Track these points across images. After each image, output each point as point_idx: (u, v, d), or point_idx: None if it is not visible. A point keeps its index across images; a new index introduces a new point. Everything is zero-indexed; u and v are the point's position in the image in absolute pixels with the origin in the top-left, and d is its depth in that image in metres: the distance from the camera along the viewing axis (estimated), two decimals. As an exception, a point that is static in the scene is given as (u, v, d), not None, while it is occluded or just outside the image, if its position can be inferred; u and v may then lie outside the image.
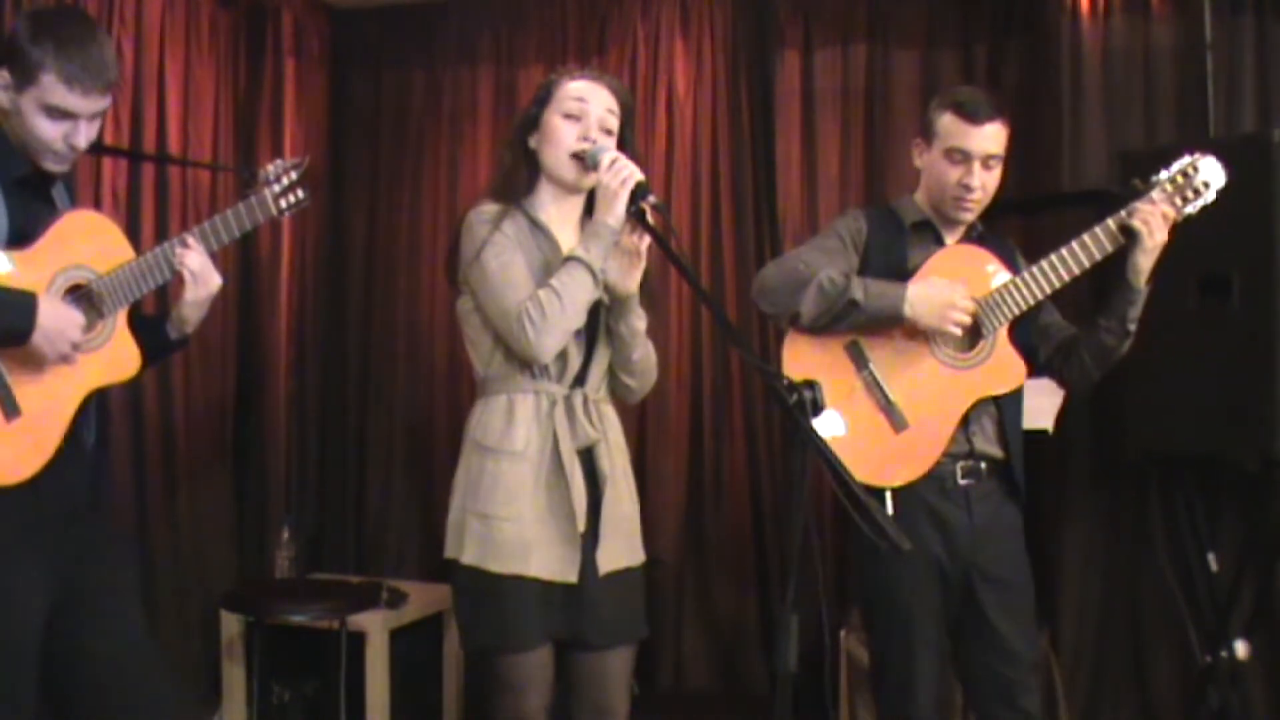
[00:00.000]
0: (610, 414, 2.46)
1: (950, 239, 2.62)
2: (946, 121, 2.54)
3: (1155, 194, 2.46)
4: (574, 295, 2.26)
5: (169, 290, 2.38)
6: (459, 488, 2.37)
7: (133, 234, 3.43)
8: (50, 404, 2.09)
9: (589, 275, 2.27)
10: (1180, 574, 3.42)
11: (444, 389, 4.40)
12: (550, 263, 2.36)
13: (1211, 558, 3.35)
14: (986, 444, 2.56)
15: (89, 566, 2.21)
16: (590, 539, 2.35)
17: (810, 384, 1.83)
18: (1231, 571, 3.30)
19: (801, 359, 2.56)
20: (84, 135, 2.12)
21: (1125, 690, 3.53)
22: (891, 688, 2.58)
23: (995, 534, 2.56)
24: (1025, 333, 2.59)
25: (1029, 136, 3.48)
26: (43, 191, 2.19)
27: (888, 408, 2.51)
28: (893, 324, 2.49)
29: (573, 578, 2.32)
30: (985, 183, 2.54)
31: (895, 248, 2.59)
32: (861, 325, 2.50)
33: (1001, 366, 2.53)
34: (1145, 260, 2.47)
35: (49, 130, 2.08)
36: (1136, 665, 3.51)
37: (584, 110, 2.36)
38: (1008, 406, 2.58)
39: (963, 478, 2.54)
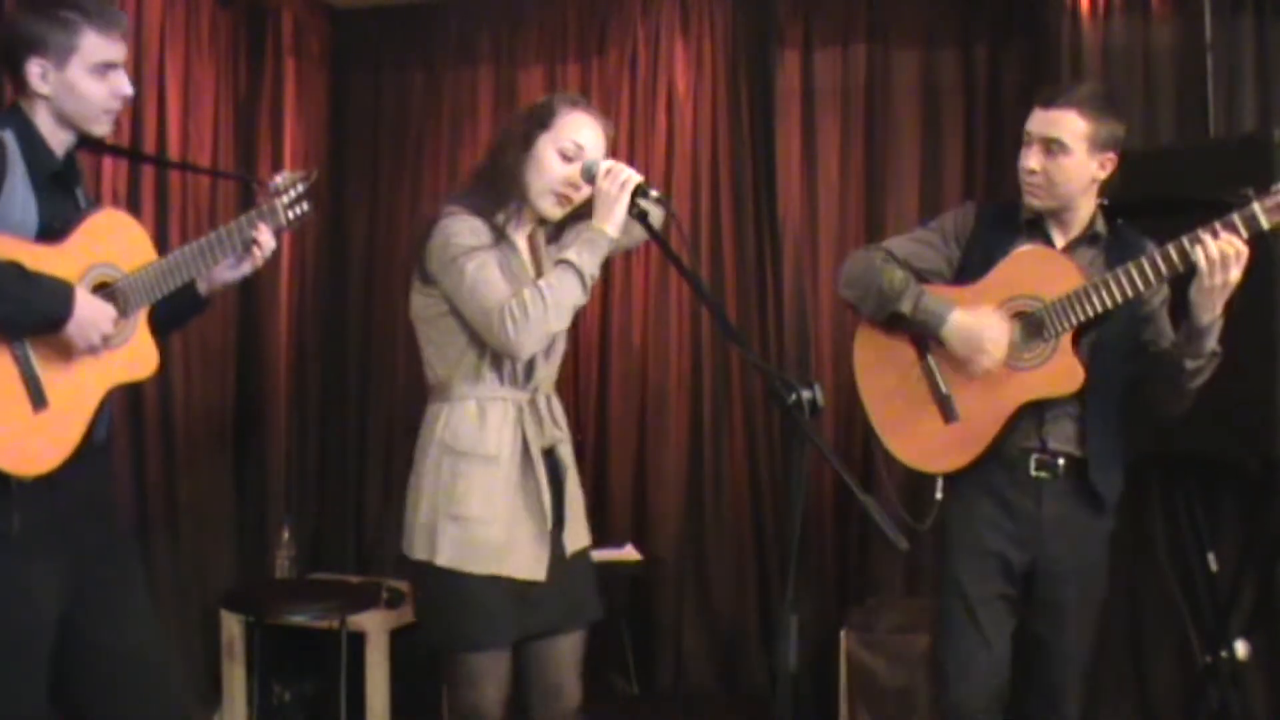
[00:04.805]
0: (559, 406, 2.54)
1: (1059, 237, 2.59)
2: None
3: (1268, 200, 2.30)
4: (560, 298, 2.28)
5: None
6: (426, 491, 2.40)
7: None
8: (75, 398, 2.11)
9: (579, 281, 2.29)
10: (1180, 574, 3.43)
11: (444, 389, 4.39)
12: (517, 276, 2.37)
13: (1211, 558, 3.35)
14: (1064, 443, 2.53)
15: (102, 563, 2.23)
16: (556, 527, 2.43)
17: (809, 383, 1.84)
18: (1231, 571, 3.29)
19: (870, 343, 2.69)
20: (127, 82, 2.17)
21: (1125, 690, 3.53)
22: (948, 675, 2.58)
23: (1066, 533, 2.54)
24: (1124, 349, 2.54)
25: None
26: (69, 189, 2.21)
27: (941, 398, 2.58)
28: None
29: (542, 575, 2.38)
30: (1047, 168, 2.49)
31: (1002, 244, 2.57)
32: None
33: (1059, 371, 2.50)
34: (1201, 298, 2.33)
35: (99, 90, 2.14)
36: (1136, 665, 3.51)
37: (580, 155, 2.38)
38: (1093, 410, 2.53)
39: (1036, 469, 2.53)
